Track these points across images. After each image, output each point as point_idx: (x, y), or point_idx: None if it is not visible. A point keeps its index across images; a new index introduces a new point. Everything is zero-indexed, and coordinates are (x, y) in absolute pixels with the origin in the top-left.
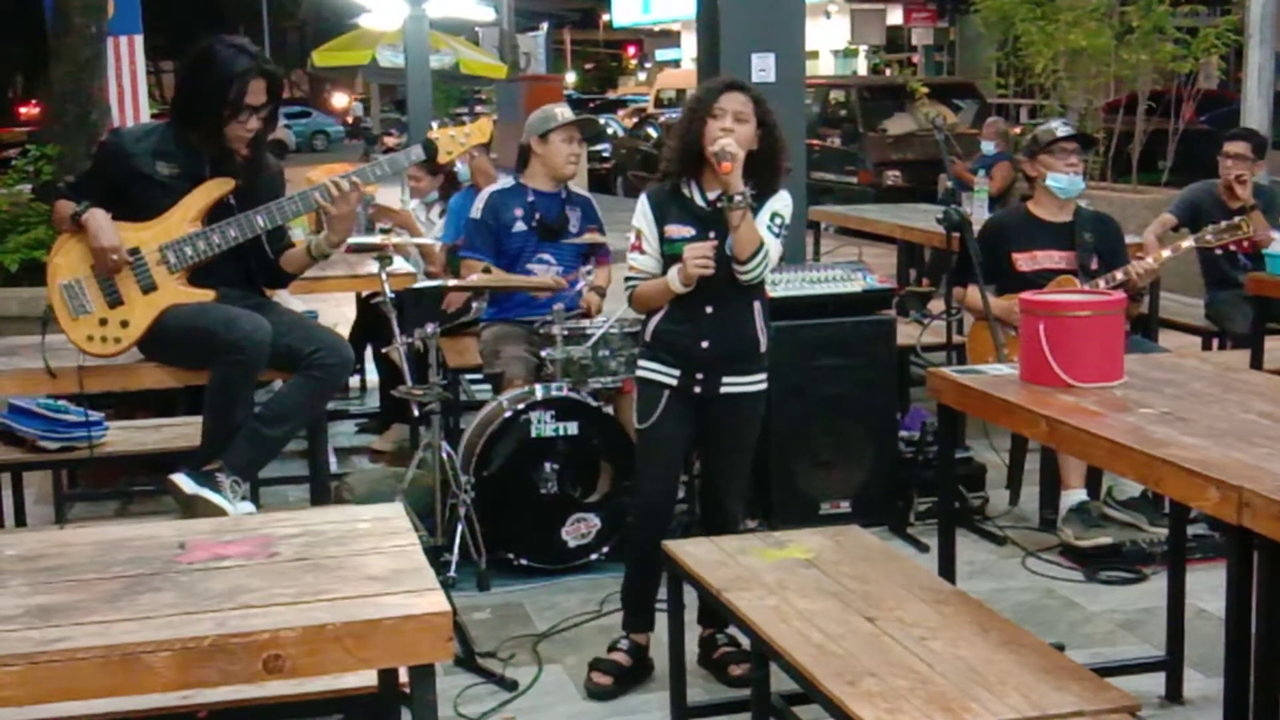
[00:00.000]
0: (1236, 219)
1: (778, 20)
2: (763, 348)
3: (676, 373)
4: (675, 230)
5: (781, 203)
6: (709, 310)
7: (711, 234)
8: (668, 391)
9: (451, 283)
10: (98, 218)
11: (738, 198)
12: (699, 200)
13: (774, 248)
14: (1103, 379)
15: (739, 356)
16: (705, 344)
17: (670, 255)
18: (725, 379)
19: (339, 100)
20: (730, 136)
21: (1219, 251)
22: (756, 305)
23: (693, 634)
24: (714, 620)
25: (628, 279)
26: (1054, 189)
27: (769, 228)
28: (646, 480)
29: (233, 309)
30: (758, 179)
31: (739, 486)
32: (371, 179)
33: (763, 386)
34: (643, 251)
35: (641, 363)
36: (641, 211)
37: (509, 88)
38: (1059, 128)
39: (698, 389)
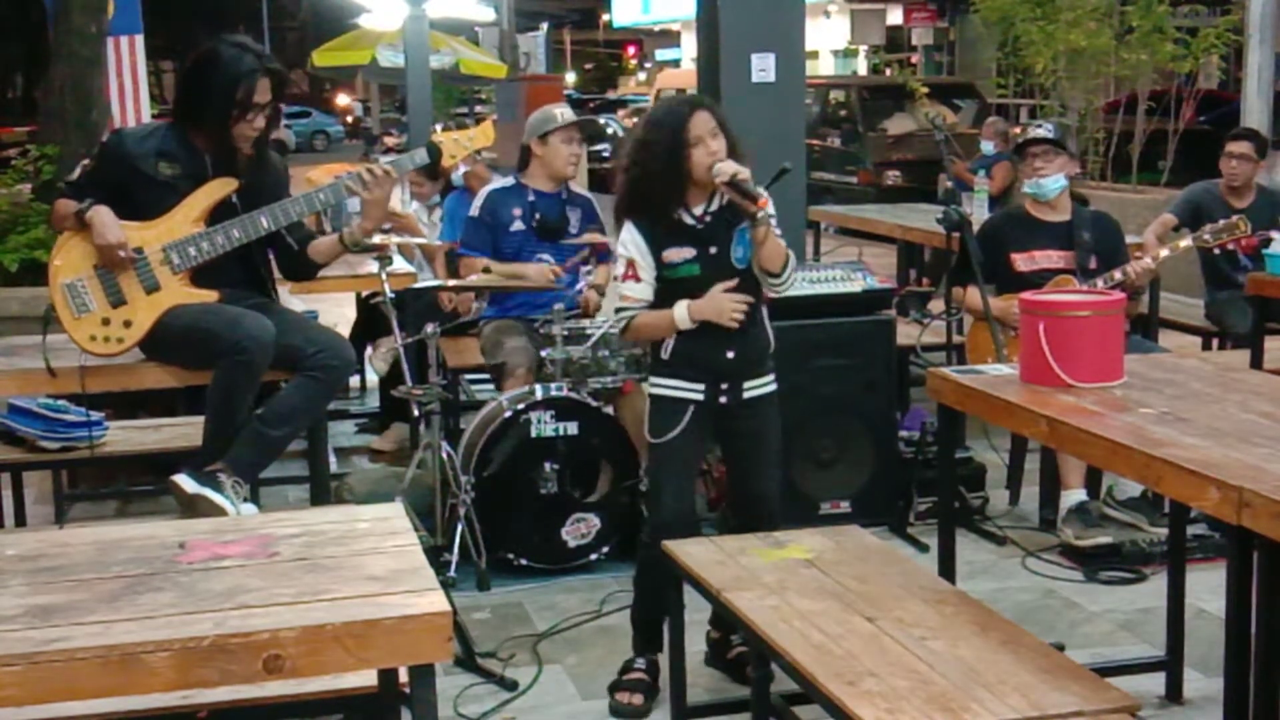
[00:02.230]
0: (1234, 218)
1: (778, 20)
2: (772, 348)
3: (701, 386)
4: (675, 254)
5: (769, 204)
6: None
7: (712, 249)
8: (692, 406)
9: (451, 283)
10: (102, 214)
11: (761, 215)
12: (689, 219)
13: (791, 253)
14: (1102, 379)
15: (759, 360)
16: (730, 354)
17: (671, 279)
18: (746, 384)
19: (342, 99)
20: (730, 163)
21: (1218, 252)
22: (763, 308)
23: (699, 634)
24: (727, 624)
25: (620, 309)
26: (1028, 193)
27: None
28: (665, 495)
29: (236, 309)
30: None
31: (777, 488)
32: None
33: (775, 385)
34: (639, 280)
35: (659, 380)
36: (632, 240)
37: (509, 88)
38: (1030, 131)
39: (723, 399)
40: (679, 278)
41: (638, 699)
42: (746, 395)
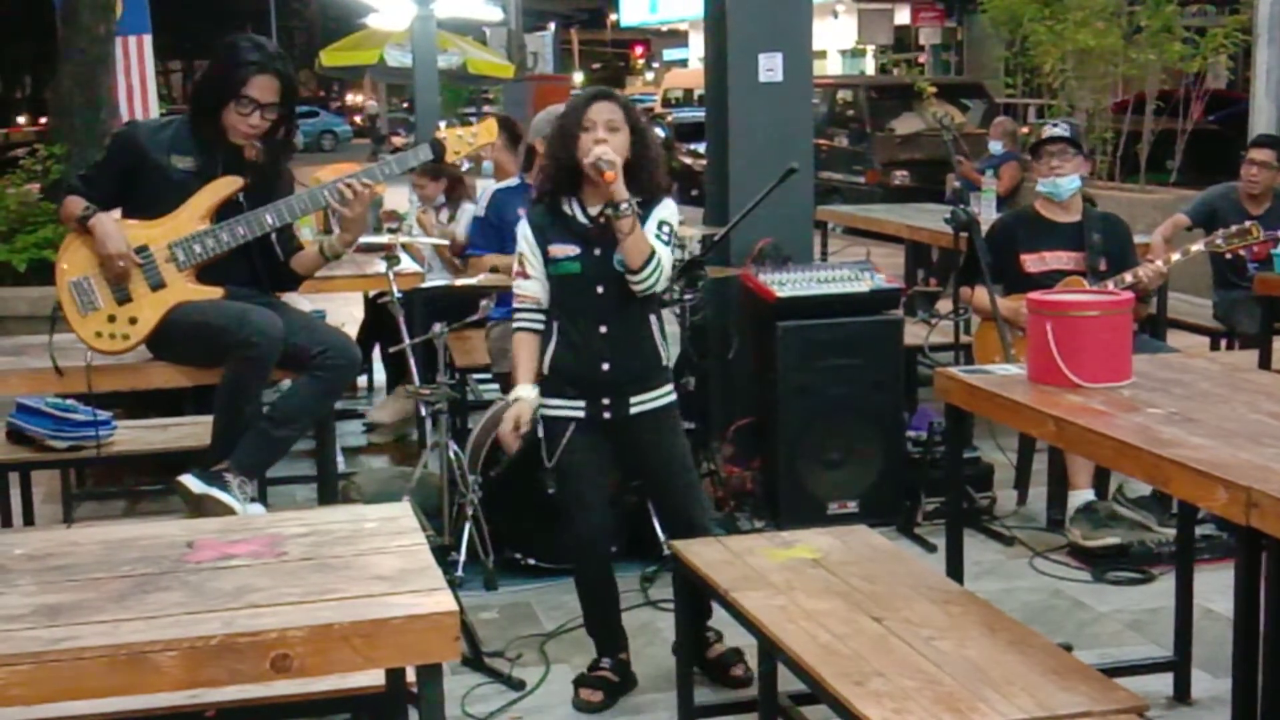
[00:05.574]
0: (1247, 223)
1: (785, 20)
2: (664, 361)
3: (581, 403)
4: (559, 250)
5: (667, 210)
6: (604, 330)
7: (596, 250)
8: (574, 424)
9: (458, 282)
10: (104, 223)
11: (624, 205)
12: (581, 217)
13: (665, 256)
14: (1111, 379)
15: (641, 375)
16: (605, 366)
17: (554, 275)
18: (632, 399)
19: (358, 98)
20: (604, 145)
21: (1229, 257)
22: (653, 319)
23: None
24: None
25: (518, 310)
26: (1042, 193)
27: (658, 236)
28: (572, 515)
29: (243, 304)
30: (636, 187)
31: (697, 498)
32: (380, 178)
33: (672, 398)
34: (527, 276)
35: (544, 399)
36: (523, 235)
37: (516, 87)
38: (1046, 130)
39: (607, 414)
40: (561, 274)
41: (597, 696)
42: (634, 410)
